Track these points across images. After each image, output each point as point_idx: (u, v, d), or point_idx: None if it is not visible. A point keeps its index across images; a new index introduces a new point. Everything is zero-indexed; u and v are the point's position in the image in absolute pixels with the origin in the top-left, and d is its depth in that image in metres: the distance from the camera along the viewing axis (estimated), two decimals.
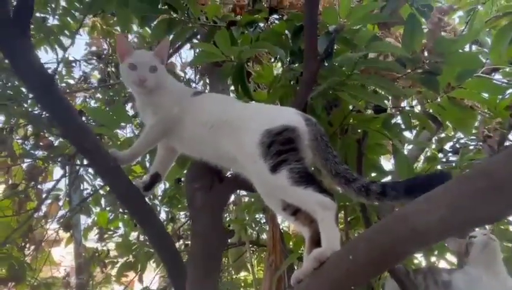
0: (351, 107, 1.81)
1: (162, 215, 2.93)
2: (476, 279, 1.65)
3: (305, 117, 1.17)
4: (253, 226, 2.79)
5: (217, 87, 1.95)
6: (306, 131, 1.11)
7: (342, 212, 2.05)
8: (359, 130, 1.81)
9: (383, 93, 1.72)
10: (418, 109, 1.97)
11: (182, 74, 2.88)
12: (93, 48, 2.90)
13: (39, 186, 2.70)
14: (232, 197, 2.83)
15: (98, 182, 2.82)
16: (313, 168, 1.14)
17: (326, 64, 1.46)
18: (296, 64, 1.57)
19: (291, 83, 1.65)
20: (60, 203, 2.76)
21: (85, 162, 2.56)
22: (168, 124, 1.32)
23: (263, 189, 1.16)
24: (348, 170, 1.04)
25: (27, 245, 2.61)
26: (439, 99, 1.63)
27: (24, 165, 2.66)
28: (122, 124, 2.09)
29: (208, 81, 2.32)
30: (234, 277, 3.10)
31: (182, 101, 1.35)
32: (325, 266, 0.89)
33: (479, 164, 1.67)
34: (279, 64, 2.13)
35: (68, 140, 1.57)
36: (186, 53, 6.80)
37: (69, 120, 1.26)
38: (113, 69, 2.89)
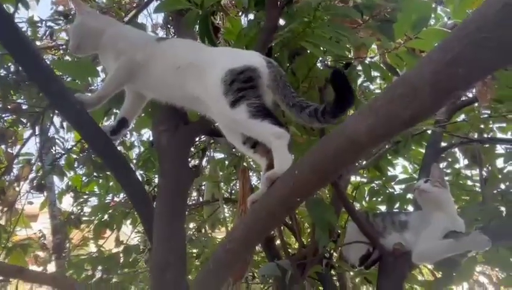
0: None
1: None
2: (429, 216, 1.79)
3: (267, 60, 1.23)
4: (226, 185, 2.88)
5: None
6: (267, 72, 1.18)
7: None
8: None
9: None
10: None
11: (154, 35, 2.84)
12: (60, 8, 2.81)
13: (9, 149, 2.68)
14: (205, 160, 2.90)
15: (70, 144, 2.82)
16: None
17: (287, 11, 1.50)
18: (259, 12, 1.61)
19: (256, 33, 1.68)
20: (32, 168, 2.75)
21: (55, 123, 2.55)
22: (132, 67, 1.35)
23: (224, 123, 1.24)
24: (303, 100, 1.11)
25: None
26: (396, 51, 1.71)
27: None
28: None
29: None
30: (210, 235, 3.21)
31: (146, 46, 1.38)
32: (275, 184, 0.97)
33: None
34: (247, 20, 2.15)
35: (34, 82, 1.58)
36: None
37: (34, 62, 1.27)
38: None
